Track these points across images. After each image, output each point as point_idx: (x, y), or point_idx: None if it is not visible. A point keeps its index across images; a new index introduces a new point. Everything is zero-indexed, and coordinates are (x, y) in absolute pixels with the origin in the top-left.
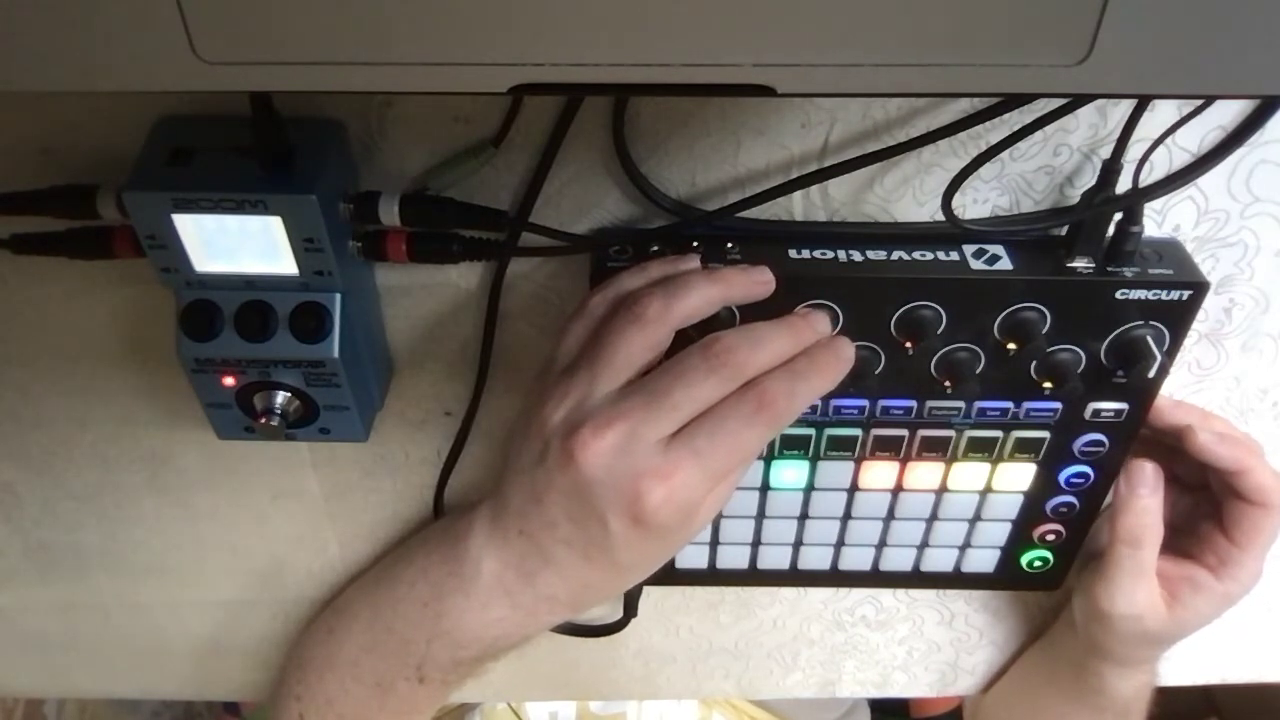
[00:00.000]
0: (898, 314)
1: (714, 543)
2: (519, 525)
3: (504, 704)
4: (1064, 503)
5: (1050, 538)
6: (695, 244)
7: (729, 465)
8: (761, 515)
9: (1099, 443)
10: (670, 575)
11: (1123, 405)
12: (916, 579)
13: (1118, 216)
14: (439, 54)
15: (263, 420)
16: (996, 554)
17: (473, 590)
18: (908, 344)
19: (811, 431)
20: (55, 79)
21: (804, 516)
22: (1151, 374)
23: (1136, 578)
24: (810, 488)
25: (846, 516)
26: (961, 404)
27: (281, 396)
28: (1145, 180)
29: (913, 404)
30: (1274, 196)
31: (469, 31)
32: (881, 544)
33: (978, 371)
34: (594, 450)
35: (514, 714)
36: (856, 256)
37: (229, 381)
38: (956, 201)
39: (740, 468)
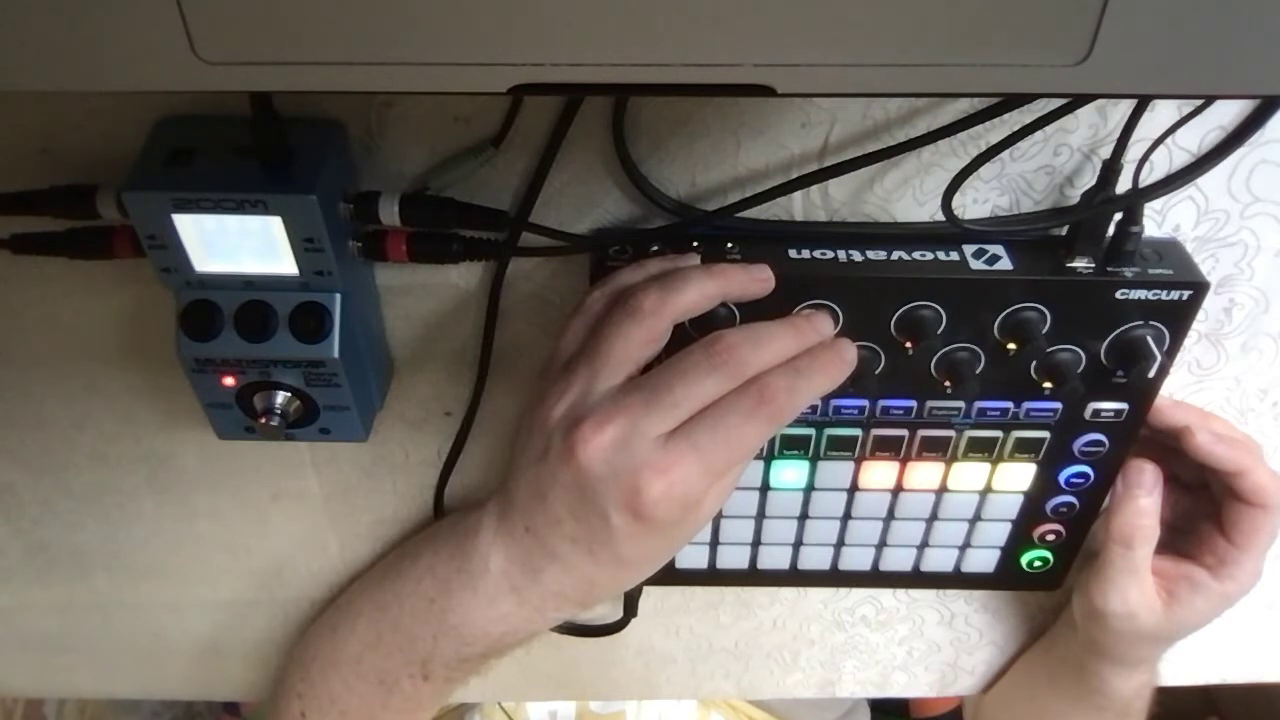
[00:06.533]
0: (898, 314)
1: (714, 543)
2: (525, 522)
3: (497, 704)
4: (1064, 503)
5: (1050, 538)
6: (695, 244)
7: (729, 460)
8: (761, 515)
9: (1099, 443)
10: (670, 575)
11: (1123, 405)
12: (916, 579)
13: (1118, 216)
14: (439, 54)
15: (263, 420)
16: (996, 554)
17: (480, 586)
18: (908, 344)
19: (811, 431)
20: (55, 79)
21: (804, 516)
22: (1151, 374)
23: (1130, 577)
24: (810, 488)
25: (846, 516)
26: (961, 404)
27: (281, 396)
28: (1145, 180)
29: (913, 404)
30: (1274, 196)
31: (469, 31)
32: (881, 544)
33: (978, 371)
34: (594, 445)
35: (506, 715)
36: (856, 256)
37: (229, 381)
38: (956, 201)
39: (740, 464)
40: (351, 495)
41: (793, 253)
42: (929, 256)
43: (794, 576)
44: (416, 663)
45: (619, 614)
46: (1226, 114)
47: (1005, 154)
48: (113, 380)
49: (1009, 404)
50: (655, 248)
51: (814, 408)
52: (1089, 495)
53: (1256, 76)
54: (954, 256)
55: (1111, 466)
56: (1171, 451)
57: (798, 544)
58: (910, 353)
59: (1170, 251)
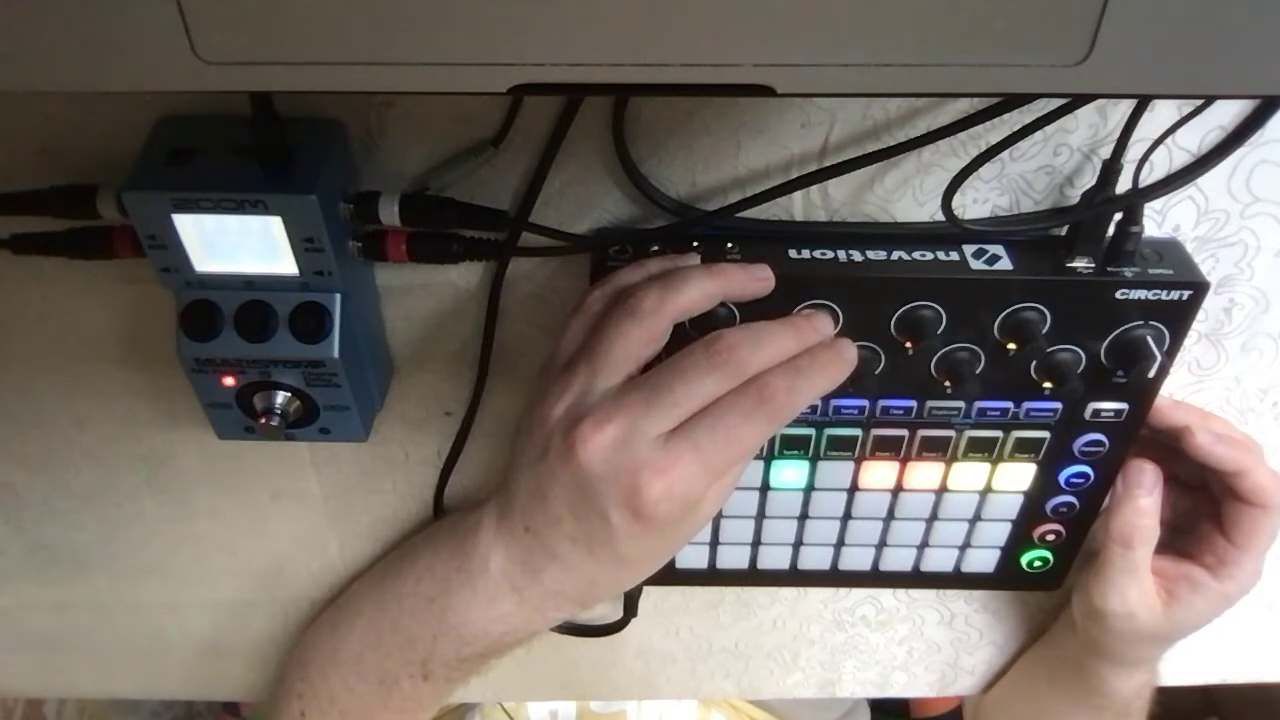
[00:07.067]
0: (898, 314)
1: (714, 543)
2: (525, 522)
3: (497, 704)
4: (1064, 503)
5: (1050, 538)
6: (695, 244)
7: (729, 460)
8: (761, 515)
9: (1099, 443)
10: (670, 575)
11: (1123, 405)
12: (916, 579)
13: (1118, 216)
14: (439, 54)
15: (263, 420)
16: (996, 554)
17: (480, 586)
18: (908, 344)
19: (811, 431)
20: (55, 79)
21: (804, 516)
22: (1151, 374)
23: (1129, 576)
24: (810, 488)
25: (846, 516)
26: (961, 404)
27: (281, 396)
28: (1145, 180)
29: (913, 404)
30: (1274, 196)
31: (469, 31)
32: (881, 544)
33: (978, 371)
34: (594, 444)
35: (506, 715)
36: (856, 256)
37: (229, 381)
38: (956, 201)
39: (740, 463)
40: (351, 495)
41: (793, 253)
42: (929, 256)
43: (794, 576)
44: (416, 662)
45: (619, 614)
46: (1226, 114)
47: (1005, 154)
48: (113, 380)
49: (1009, 404)
50: (655, 248)
51: (814, 408)
52: (1089, 495)
53: (1256, 76)
54: (954, 256)
55: (1111, 466)
56: (1171, 451)
57: (798, 544)
58: (910, 353)
59: (1170, 251)
